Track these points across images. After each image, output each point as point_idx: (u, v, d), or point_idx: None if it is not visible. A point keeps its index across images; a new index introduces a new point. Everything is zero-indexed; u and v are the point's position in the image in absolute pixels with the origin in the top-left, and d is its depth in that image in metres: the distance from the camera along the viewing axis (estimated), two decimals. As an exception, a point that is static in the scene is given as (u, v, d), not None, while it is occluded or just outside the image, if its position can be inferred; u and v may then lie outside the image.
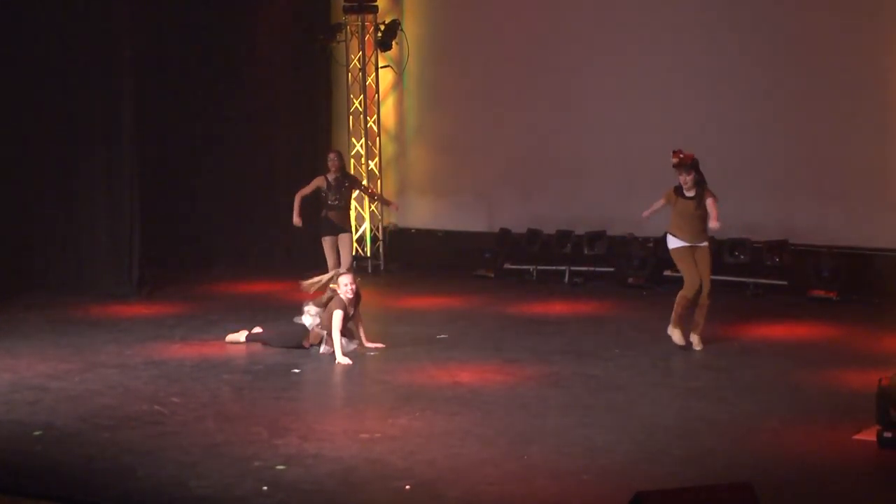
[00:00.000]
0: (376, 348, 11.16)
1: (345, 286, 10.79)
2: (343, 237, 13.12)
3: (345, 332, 10.86)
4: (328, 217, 13.06)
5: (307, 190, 13.01)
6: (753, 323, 12.42)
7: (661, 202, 11.28)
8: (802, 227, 14.07)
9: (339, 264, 12.73)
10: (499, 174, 15.98)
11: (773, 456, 7.96)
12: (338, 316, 10.69)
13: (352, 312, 10.95)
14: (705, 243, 11.24)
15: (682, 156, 11.04)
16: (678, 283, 14.18)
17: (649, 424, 8.70)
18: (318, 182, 12.99)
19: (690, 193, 11.07)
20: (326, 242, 13.04)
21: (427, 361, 10.75)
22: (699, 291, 11.09)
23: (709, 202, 11.05)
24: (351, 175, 13.95)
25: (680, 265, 11.29)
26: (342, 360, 10.61)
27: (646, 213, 11.52)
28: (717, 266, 14.04)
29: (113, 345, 11.48)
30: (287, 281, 13.39)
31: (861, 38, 13.75)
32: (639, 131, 14.82)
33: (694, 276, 11.10)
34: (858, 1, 13.90)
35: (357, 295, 10.92)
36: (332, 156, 13.19)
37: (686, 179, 11.02)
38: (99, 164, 14.23)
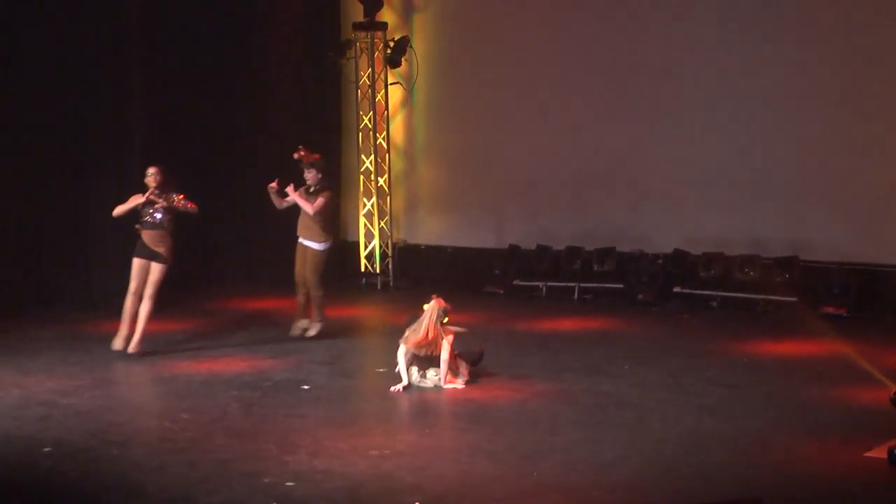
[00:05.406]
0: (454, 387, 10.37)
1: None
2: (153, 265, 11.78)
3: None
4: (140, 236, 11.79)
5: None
6: (763, 339, 12.39)
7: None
8: (812, 244, 14.05)
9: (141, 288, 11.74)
10: (508, 190, 15.98)
11: (783, 472, 7.92)
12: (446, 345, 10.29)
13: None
14: (309, 242, 12.33)
15: (303, 153, 12.34)
16: (688, 299, 14.28)
17: (659, 441, 8.68)
18: (137, 198, 11.67)
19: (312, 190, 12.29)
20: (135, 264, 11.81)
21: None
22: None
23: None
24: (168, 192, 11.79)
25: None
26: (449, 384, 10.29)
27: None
28: (727, 282, 14.13)
29: (122, 361, 11.50)
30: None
31: (871, 53, 13.74)
32: (647, 147, 14.83)
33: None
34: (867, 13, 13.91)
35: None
36: (151, 171, 11.73)
37: (308, 176, 12.37)
38: (109, 180, 14.25)
